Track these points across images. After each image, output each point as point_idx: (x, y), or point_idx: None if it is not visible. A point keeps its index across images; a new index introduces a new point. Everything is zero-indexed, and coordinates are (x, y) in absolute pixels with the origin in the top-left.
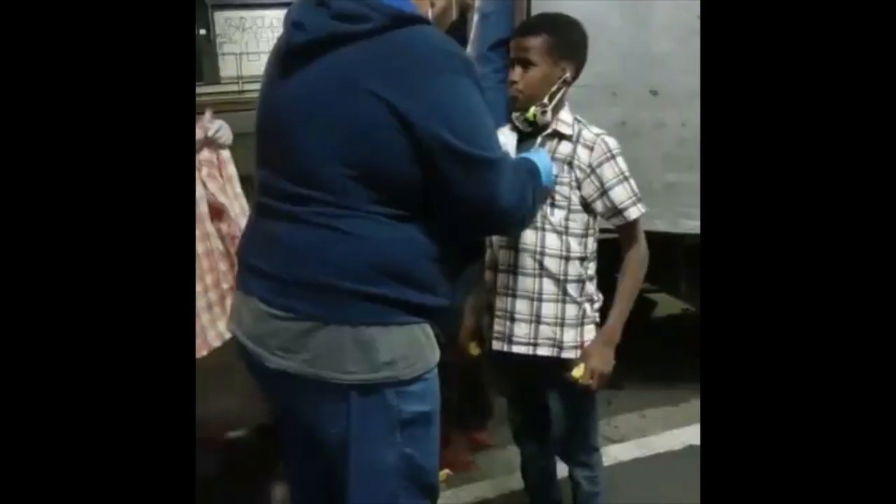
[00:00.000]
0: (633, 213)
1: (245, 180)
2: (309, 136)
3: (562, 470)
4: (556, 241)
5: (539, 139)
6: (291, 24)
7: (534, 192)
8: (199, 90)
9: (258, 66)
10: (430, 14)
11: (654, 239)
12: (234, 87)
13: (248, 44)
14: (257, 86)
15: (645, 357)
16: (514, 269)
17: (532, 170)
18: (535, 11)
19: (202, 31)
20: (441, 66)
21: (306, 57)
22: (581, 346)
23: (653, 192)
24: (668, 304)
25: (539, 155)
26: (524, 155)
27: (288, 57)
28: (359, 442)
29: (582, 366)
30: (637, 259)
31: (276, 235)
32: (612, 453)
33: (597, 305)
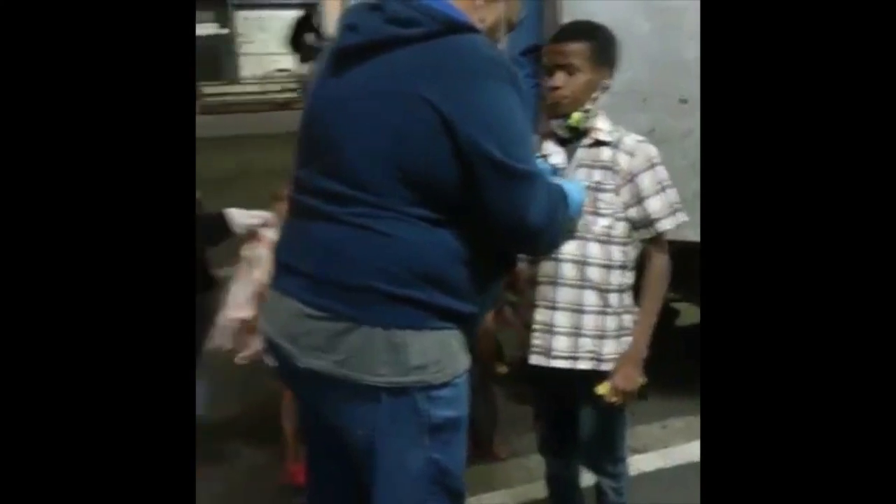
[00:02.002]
0: (665, 224)
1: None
2: (354, 135)
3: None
4: (599, 249)
5: (579, 149)
6: (345, 26)
7: (562, 219)
8: (218, 90)
9: (278, 66)
10: (481, 26)
11: (680, 248)
12: (254, 88)
13: (268, 44)
14: (277, 87)
15: (667, 366)
16: (554, 280)
17: (564, 196)
18: (565, 17)
19: (224, 31)
20: (488, 75)
21: (357, 58)
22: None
23: (681, 200)
24: (690, 313)
25: (574, 184)
26: (559, 181)
27: (339, 58)
28: (386, 445)
29: (608, 383)
30: (663, 272)
31: (314, 235)
32: (635, 463)
33: (634, 317)
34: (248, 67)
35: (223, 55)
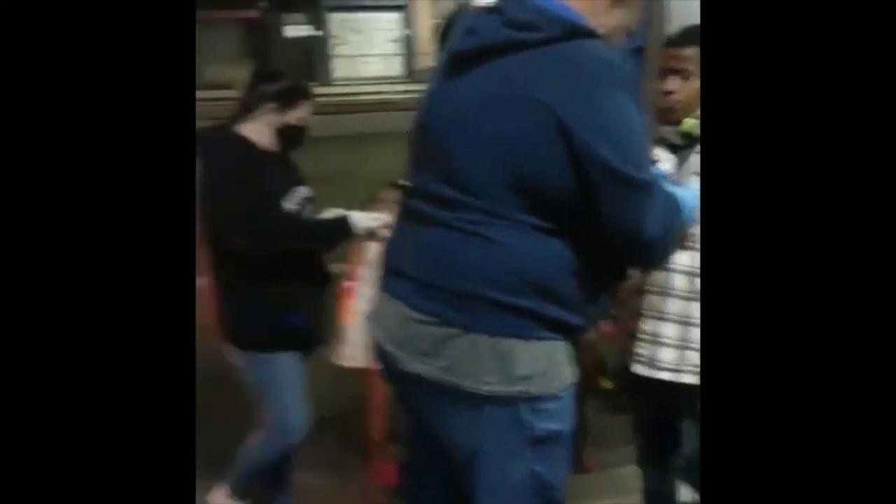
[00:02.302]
0: None
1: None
2: (467, 140)
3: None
4: None
5: (692, 156)
6: (464, 29)
7: (677, 229)
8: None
9: (372, 68)
10: (601, 31)
11: None
12: (347, 89)
13: (361, 45)
14: (370, 88)
15: None
16: (665, 291)
17: (678, 205)
18: (673, 19)
19: (318, 33)
20: (608, 82)
21: (474, 61)
22: None
23: None
24: None
25: (688, 191)
26: (673, 188)
27: (457, 60)
28: (488, 455)
29: None
30: None
31: (424, 239)
32: None
33: None
34: (341, 69)
35: (316, 57)
